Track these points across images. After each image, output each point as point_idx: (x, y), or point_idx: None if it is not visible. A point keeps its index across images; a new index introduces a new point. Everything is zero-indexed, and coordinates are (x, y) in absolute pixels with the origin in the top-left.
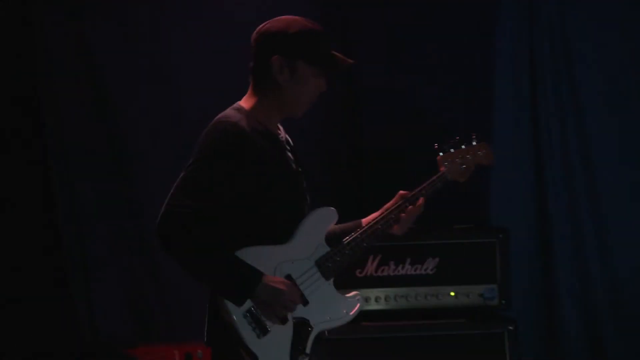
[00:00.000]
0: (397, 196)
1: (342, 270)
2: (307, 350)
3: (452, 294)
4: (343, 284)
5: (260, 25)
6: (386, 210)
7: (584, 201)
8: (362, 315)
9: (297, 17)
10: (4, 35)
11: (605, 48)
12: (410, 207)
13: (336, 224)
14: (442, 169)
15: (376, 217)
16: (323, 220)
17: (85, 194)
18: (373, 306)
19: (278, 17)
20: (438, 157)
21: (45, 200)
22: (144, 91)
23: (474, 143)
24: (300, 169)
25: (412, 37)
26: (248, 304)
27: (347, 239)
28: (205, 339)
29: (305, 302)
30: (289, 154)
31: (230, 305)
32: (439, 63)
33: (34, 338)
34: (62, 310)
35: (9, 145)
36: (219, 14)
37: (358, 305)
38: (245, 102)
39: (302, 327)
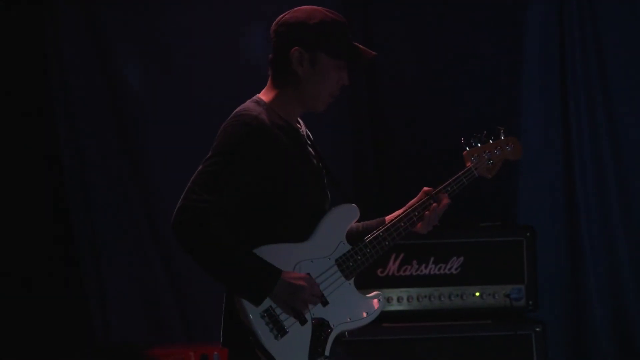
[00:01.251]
0: (421, 193)
1: (364, 269)
2: (327, 353)
3: (477, 294)
4: (364, 284)
5: (280, 16)
6: (410, 207)
7: (614, 198)
8: (383, 316)
9: (318, 8)
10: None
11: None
12: (434, 204)
13: (358, 221)
14: (469, 164)
15: (399, 215)
16: (344, 218)
17: (97, 190)
18: (395, 307)
19: (298, 7)
20: (464, 152)
21: (57, 197)
22: (157, 80)
23: (502, 137)
24: (321, 165)
25: (436, 27)
26: (266, 303)
27: (368, 237)
28: (222, 340)
29: (324, 302)
30: (310, 149)
31: (247, 305)
32: (464, 55)
33: (47, 338)
34: (76, 310)
35: (19, 137)
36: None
37: (379, 305)
38: (264, 95)
39: (321, 328)
